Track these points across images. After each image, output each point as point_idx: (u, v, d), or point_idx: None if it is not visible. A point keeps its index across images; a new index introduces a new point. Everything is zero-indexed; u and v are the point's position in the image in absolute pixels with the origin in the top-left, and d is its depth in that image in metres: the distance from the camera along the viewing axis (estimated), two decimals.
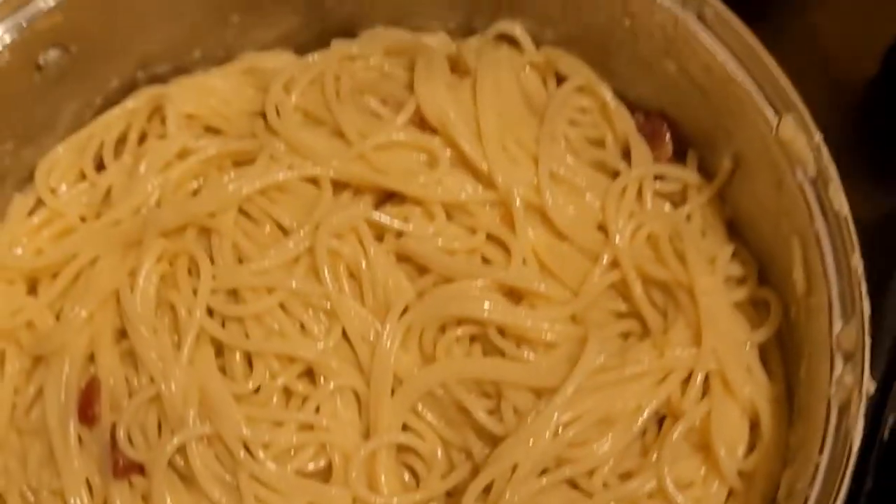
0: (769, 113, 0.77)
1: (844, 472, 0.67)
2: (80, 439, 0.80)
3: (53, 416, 0.80)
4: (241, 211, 0.84)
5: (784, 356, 0.80)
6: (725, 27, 0.79)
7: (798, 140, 0.75)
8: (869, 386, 0.69)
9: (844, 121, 1.00)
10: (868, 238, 0.73)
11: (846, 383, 0.69)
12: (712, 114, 0.82)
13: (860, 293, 0.71)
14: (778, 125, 0.76)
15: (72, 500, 0.78)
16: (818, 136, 0.74)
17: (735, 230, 0.85)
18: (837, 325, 0.71)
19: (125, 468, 0.78)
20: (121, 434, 0.78)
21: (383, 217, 0.83)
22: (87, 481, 0.79)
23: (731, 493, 0.77)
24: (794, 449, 0.74)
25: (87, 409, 0.79)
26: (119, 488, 0.78)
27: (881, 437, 0.89)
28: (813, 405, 0.72)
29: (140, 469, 0.79)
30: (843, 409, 0.69)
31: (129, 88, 0.90)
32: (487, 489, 0.76)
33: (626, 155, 0.87)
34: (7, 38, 0.78)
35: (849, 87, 1.06)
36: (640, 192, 0.85)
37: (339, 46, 0.92)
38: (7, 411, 0.82)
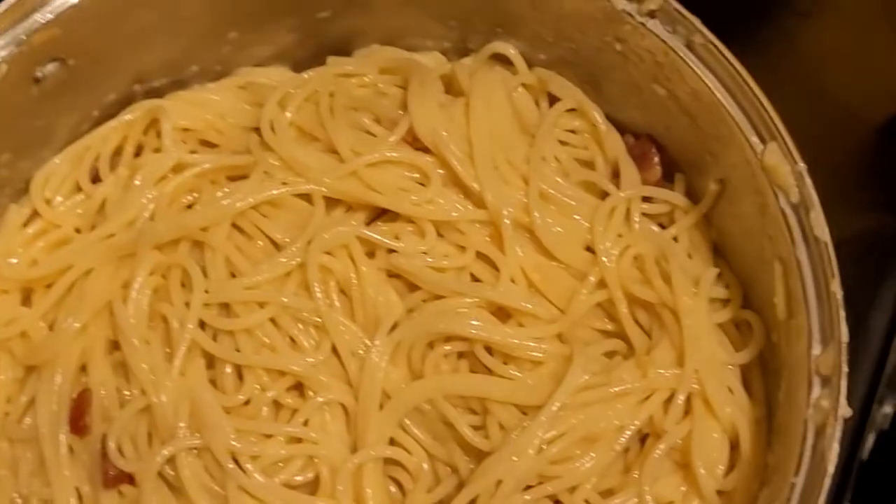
0: (755, 140, 0.78)
1: (819, 494, 0.69)
2: (70, 449, 0.81)
3: (45, 426, 0.81)
4: (235, 225, 0.85)
5: (765, 378, 0.81)
6: (713, 55, 0.80)
7: (782, 167, 0.76)
8: (845, 410, 0.70)
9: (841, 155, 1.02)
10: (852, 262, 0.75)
11: (823, 407, 0.71)
12: (700, 138, 0.84)
13: (838, 319, 0.72)
14: (763, 152, 0.77)
15: None
16: (801, 164, 0.76)
17: (720, 253, 0.87)
18: (816, 350, 0.73)
19: (115, 478, 0.79)
20: (111, 444, 0.79)
21: (374, 234, 0.84)
22: (77, 491, 0.80)
23: None
24: (772, 469, 0.76)
25: (78, 420, 0.80)
26: (109, 498, 0.79)
27: (860, 458, 0.91)
28: (791, 427, 0.73)
29: (130, 479, 0.80)
30: (820, 432, 0.70)
31: (126, 102, 0.91)
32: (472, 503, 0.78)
33: (616, 176, 0.89)
34: (5, 51, 0.79)
35: (845, 122, 1.07)
36: (628, 214, 0.86)
37: (334, 63, 0.93)
38: None
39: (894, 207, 1.00)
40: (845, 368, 0.71)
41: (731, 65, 0.80)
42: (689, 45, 0.81)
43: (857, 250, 0.88)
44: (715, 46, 0.80)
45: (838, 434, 0.70)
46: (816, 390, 0.72)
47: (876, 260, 0.97)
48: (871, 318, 0.96)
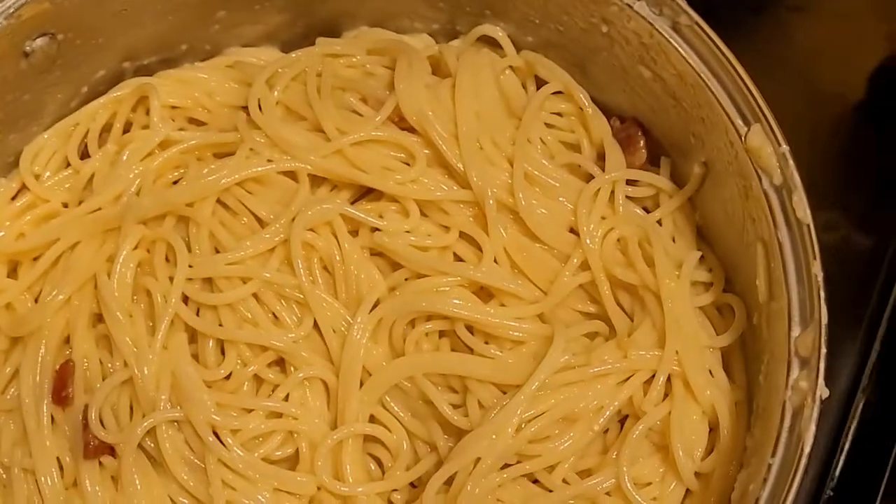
0: (739, 122, 0.78)
1: (795, 475, 0.69)
2: (52, 420, 0.81)
3: (28, 396, 0.81)
4: (220, 201, 0.85)
5: (746, 362, 0.81)
6: (699, 37, 0.80)
7: (765, 149, 0.76)
8: (823, 391, 0.70)
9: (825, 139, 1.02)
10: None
11: (801, 388, 0.71)
12: (685, 120, 0.84)
13: (819, 300, 0.72)
14: (746, 134, 0.77)
15: (42, 479, 0.80)
16: (784, 147, 0.76)
17: (704, 237, 0.87)
18: (796, 331, 0.73)
19: (96, 449, 0.79)
20: (93, 416, 0.80)
21: (358, 212, 0.84)
22: (59, 460, 0.81)
23: (687, 493, 0.79)
24: (750, 452, 0.76)
25: (60, 391, 0.81)
26: (89, 468, 0.80)
27: (842, 448, 0.91)
28: (770, 409, 0.73)
29: (111, 450, 0.80)
30: (797, 413, 0.70)
31: (115, 79, 0.91)
32: (450, 481, 0.78)
33: (601, 159, 0.89)
34: None
35: (831, 106, 1.07)
36: (612, 197, 0.86)
37: (323, 44, 0.93)
38: None
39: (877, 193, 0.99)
40: (824, 349, 0.71)
41: (717, 46, 0.80)
42: (675, 27, 0.81)
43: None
44: (701, 28, 0.80)
45: (816, 415, 0.70)
46: (795, 371, 0.72)
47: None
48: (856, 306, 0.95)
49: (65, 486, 0.80)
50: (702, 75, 0.80)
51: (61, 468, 0.81)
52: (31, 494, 0.81)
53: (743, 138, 0.77)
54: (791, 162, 0.76)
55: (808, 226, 0.74)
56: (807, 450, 0.69)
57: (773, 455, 0.70)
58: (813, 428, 0.70)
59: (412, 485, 0.82)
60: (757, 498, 0.69)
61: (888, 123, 1.03)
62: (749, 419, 0.78)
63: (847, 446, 0.90)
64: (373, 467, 0.83)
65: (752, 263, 0.78)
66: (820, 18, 1.11)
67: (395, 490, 0.81)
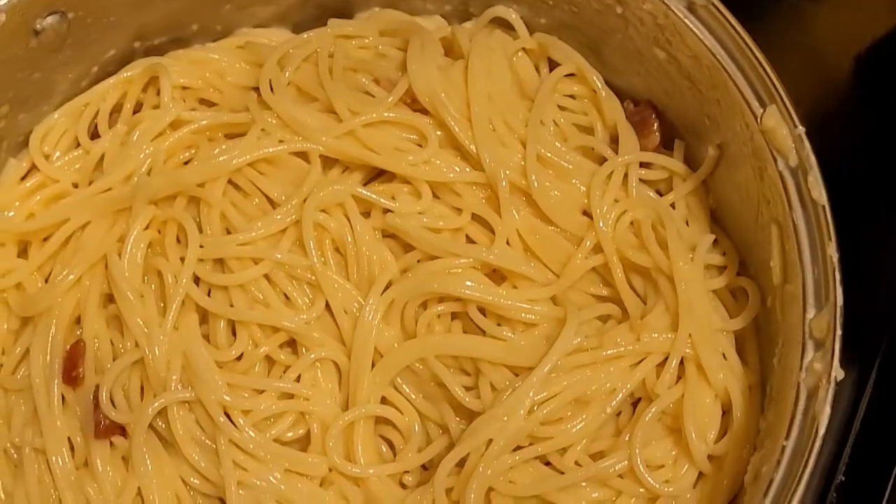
0: (754, 103, 0.78)
1: (809, 456, 0.68)
2: (63, 399, 0.81)
3: (38, 377, 0.81)
4: (231, 182, 0.85)
5: (759, 345, 0.81)
6: (714, 18, 0.80)
7: (781, 130, 0.76)
8: (838, 373, 0.70)
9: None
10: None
11: (816, 370, 0.70)
12: (699, 102, 0.83)
13: (834, 282, 0.72)
14: (762, 115, 0.77)
15: (53, 459, 0.80)
16: (800, 128, 0.75)
17: (717, 221, 0.86)
18: (810, 313, 0.72)
19: (107, 429, 0.79)
20: (104, 396, 0.80)
21: (371, 193, 0.84)
22: (69, 440, 0.81)
23: (700, 476, 0.78)
24: (764, 434, 0.75)
25: (71, 371, 0.81)
26: (100, 448, 0.80)
27: (854, 432, 0.90)
28: (784, 392, 0.73)
29: (121, 430, 0.80)
30: (812, 395, 0.70)
31: (125, 59, 0.91)
32: (461, 463, 0.78)
33: (614, 142, 0.88)
34: (4, 0, 0.79)
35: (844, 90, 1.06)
36: (625, 179, 0.86)
37: (335, 25, 0.93)
38: None
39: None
40: (839, 331, 0.70)
41: (733, 27, 0.79)
42: (691, 8, 0.80)
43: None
44: (717, 8, 0.79)
45: (830, 397, 0.69)
46: (810, 353, 0.71)
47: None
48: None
49: (75, 465, 0.80)
50: (717, 56, 0.80)
51: (72, 448, 0.81)
52: (42, 474, 0.81)
53: (759, 120, 0.77)
54: (807, 143, 0.75)
55: (824, 207, 0.74)
56: (821, 431, 0.69)
57: (788, 437, 0.69)
58: (828, 410, 0.69)
59: (423, 467, 0.82)
60: (771, 479, 0.69)
61: None
62: (762, 402, 0.78)
63: (858, 429, 0.90)
64: (384, 449, 0.83)
65: (766, 246, 0.78)
66: (835, 6, 1.10)
67: (407, 472, 0.81)
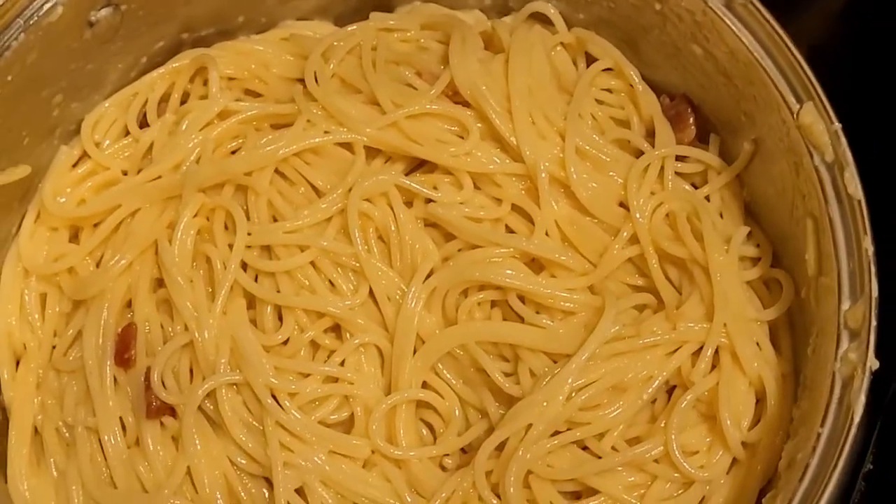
0: (791, 99, 0.79)
1: (844, 444, 0.70)
2: (115, 380, 0.84)
3: (91, 358, 0.84)
4: (278, 171, 0.87)
5: (793, 335, 0.83)
6: (752, 14, 0.81)
7: (817, 126, 0.77)
8: (873, 362, 0.72)
9: None
10: None
11: (851, 359, 0.72)
12: (735, 98, 0.85)
13: (870, 274, 0.73)
14: (799, 111, 0.78)
15: (105, 438, 0.82)
16: (837, 124, 0.77)
17: (752, 213, 0.88)
18: (846, 304, 0.74)
19: (157, 409, 0.82)
20: (155, 377, 0.82)
21: (413, 184, 0.86)
22: (121, 420, 0.83)
23: (734, 462, 0.80)
24: (798, 423, 0.77)
25: (123, 353, 0.83)
26: (151, 428, 0.82)
27: (881, 421, 0.92)
28: (818, 381, 0.74)
29: (171, 411, 0.82)
30: (847, 384, 0.72)
31: (173, 50, 0.93)
32: (501, 447, 0.80)
33: (651, 136, 0.90)
34: None
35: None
36: (661, 172, 0.88)
37: (377, 18, 0.95)
38: (47, 352, 0.86)
39: None
40: (874, 322, 0.72)
41: (770, 24, 0.81)
42: (729, 5, 0.82)
43: None
44: (754, 6, 0.81)
45: (866, 386, 0.71)
46: (845, 343, 0.73)
47: None
48: None
49: (127, 444, 0.83)
50: (754, 53, 0.81)
51: (123, 428, 0.83)
52: (94, 453, 0.83)
53: (795, 116, 0.79)
54: (843, 139, 0.77)
55: (860, 201, 0.75)
56: (856, 419, 0.71)
57: (823, 424, 0.71)
58: (863, 399, 0.71)
59: (463, 450, 0.84)
60: (807, 465, 0.70)
61: None
62: (796, 391, 0.80)
63: (885, 418, 0.91)
64: (425, 433, 0.85)
65: (801, 238, 0.80)
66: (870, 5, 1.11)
67: (447, 455, 0.83)
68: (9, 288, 0.87)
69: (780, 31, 0.81)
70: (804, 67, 0.79)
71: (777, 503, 0.72)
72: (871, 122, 0.82)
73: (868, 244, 0.74)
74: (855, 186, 0.76)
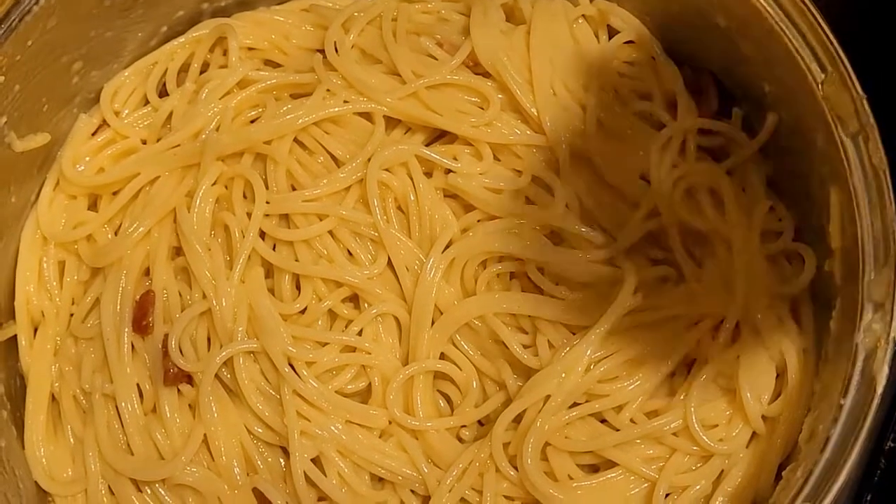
0: (815, 69, 0.78)
1: (867, 415, 0.69)
2: (133, 347, 0.84)
3: (109, 325, 0.84)
4: (297, 140, 0.87)
5: (815, 309, 0.82)
6: None
7: (842, 97, 0.76)
8: None
9: None
10: None
11: (875, 330, 0.71)
12: (759, 69, 0.84)
13: (893, 245, 0.73)
14: (823, 82, 0.77)
15: (122, 404, 0.82)
16: (861, 94, 0.76)
17: (774, 187, 0.87)
18: (869, 276, 0.73)
19: (175, 377, 0.82)
20: (172, 344, 0.82)
21: (433, 154, 0.85)
22: (138, 387, 0.83)
23: (754, 436, 0.80)
24: (819, 396, 0.77)
25: (141, 320, 0.83)
26: (168, 395, 0.82)
27: None
28: (841, 354, 0.74)
29: (188, 378, 0.82)
30: (870, 355, 0.71)
31: (193, 20, 0.93)
32: (518, 418, 0.80)
33: (672, 108, 0.89)
34: None
35: None
36: (683, 145, 0.87)
37: None
38: (65, 320, 0.86)
39: None
40: None
41: None
42: None
43: None
44: None
45: (889, 357, 0.70)
46: (868, 315, 0.72)
47: None
48: None
49: (144, 411, 0.83)
50: (780, 23, 0.80)
51: (141, 394, 0.83)
52: (111, 419, 0.83)
53: (819, 86, 0.78)
54: (867, 108, 0.76)
55: (884, 171, 0.74)
56: (879, 390, 0.70)
57: (845, 396, 0.70)
58: (886, 369, 0.70)
59: (480, 422, 0.84)
60: (828, 437, 0.70)
61: None
62: (816, 365, 0.79)
63: None
64: (442, 404, 0.85)
65: (824, 211, 0.79)
66: None
67: (464, 426, 0.83)
68: (27, 255, 0.87)
69: (806, 1, 0.80)
70: (829, 35, 0.78)
71: (798, 475, 0.71)
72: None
73: (892, 215, 0.73)
74: (880, 157, 0.75)
